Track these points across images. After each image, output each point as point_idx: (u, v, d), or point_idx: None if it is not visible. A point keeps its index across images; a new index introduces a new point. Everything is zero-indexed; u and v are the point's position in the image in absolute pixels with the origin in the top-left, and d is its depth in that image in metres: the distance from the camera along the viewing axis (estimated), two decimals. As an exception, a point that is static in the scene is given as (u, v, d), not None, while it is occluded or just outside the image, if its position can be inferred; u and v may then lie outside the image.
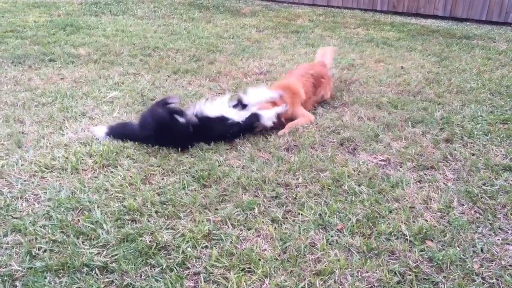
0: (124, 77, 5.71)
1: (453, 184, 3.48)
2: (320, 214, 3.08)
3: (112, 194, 3.26)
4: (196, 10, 10.16)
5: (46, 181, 3.41)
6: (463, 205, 3.24)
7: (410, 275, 2.58)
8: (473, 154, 3.93)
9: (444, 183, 3.50)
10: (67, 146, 3.92)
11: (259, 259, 2.67)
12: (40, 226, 2.89)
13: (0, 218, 2.97)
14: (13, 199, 3.17)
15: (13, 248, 2.72)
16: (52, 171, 3.54)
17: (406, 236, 2.89)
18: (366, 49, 7.24)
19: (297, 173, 3.59)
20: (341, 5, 10.62)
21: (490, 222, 3.05)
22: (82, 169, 3.57)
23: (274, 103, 4.33)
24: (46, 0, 10.71)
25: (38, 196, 3.22)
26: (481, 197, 3.31)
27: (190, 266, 2.62)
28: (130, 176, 3.49)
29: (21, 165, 3.59)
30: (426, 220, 3.05)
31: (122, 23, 8.70)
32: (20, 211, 3.05)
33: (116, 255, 2.67)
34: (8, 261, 2.61)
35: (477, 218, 3.10)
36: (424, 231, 2.92)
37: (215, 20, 9.21)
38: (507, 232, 2.97)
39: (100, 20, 8.86)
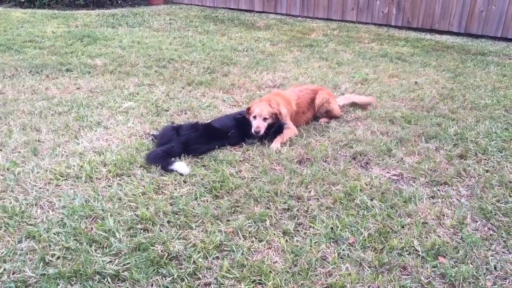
0: (139, 87, 5.77)
1: (467, 201, 3.46)
2: (331, 228, 3.08)
3: (125, 203, 3.29)
4: (211, 23, 10.27)
5: (60, 189, 3.45)
6: (477, 221, 3.22)
7: (422, 291, 2.56)
8: (487, 171, 3.90)
9: (457, 199, 3.48)
10: (82, 154, 3.97)
11: (270, 271, 2.67)
12: (54, 233, 2.93)
13: (15, 224, 3.01)
14: (28, 206, 3.22)
15: (27, 254, 2.76)
16: (67, 179, 3.59)
17: (419, 251, 2.87)
18: (380, 64, 7.24)
19: (309, 186, 3.59)
20: (356, 19, 10.65)
21: (504, 239, 3.02)
22: (96, 178, 3.61)
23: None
24: (65, 12, 10.91)
25: (53, 203, 3.26)
26: (495, 214, 3.28)
27: (201, 277, 2.63)
28: (143, 186, 3.52)
29: (37, 173, 3.64)
30: (439, 236, 3.03)
31: (138, 34, 8.81)
32: (35, 218, 3.09)
33: (128, 263, 2.69)
34: (22, 267, 2.64)
35: (490, 235, 3.08)
36: (436, 247, 2.90)
37: (230, 33, 9.29)
38: (521, 250, 2.94)
39: (117, 32, 8.99)
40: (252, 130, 4.29)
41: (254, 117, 4.32)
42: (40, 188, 3.45)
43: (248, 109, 4.41)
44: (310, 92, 4.96)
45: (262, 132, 4.28)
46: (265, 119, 4.33)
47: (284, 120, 4.47)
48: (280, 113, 4.41)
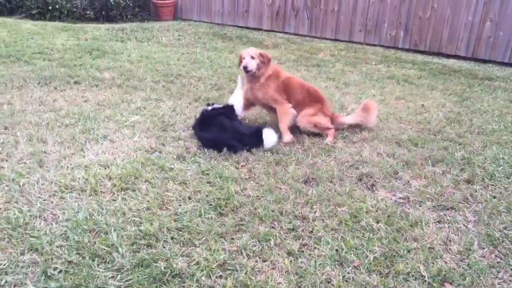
0: (146, 102, 5.79)
1: (474, 227, 3.42)
2: (337, 250, 3.05)
3: (129, 218, 3.27)
4: (219, 40, 10.33)
5: (65, 202, 3.44)
6: (484, 248, 3.18)
7: (428, 318, 2.52)
8: (494, 197, 3.86)
9: (464, 225, 3.44)
10: (87, 167, 3.96)
11: (274, 293, 2.63)
12: (57, 246, 2.91)
13: (18, 236, 2.99)
14: (32, 218, 3.20)
15: (29, 267, 2.74)
16: (71, 191, 3.58)
17: (425, 277, 2.83)
18: (387, 86, 7.25)
19: (314, 207, 3.57)
20: (363, 41, 10.69)
21: (511, 267, 2.98)
22: (101, 191, 3.60)
23: None
24: (75, 25, 11.00)
25: (57, 216, 3.25)
26: (502, 241, 3.24)
27: (203, 296, 2.60)
28: (148, 201, 3.50)
29: (42, 184, 3.64)
30: (446, 262, 2.99)
31: (146, 49, 8.87)
32: (38, 230, 3.07)
33: (130, 280, 2.67)
34: (23, 279, 2.62)
35: (497, 262, 3.04)
36: (443, 273, 2.87)
37: (238, 51, 9.32)
38: (529, 279, 2.89)
39: (126, 46, 9.06)
40: (241, 67, 4.88)
41: (244, 58, 4.88)
42: (44, 200, 3.44)
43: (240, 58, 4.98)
44: (305, 83, 5.44)
45: (249, 67, 4.80)
46: (252, 57, 4.83)
47: (273, 98, 4.92)
48: (268, 58, 4.91)
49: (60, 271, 2.71)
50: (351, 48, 10.19)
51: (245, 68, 4.80)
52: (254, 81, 4.98)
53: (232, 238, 3.13)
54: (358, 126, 5.23)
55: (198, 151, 4.41)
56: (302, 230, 3.26)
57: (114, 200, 3.50)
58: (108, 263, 2.81)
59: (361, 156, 4.50)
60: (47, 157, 4.10)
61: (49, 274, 2.68)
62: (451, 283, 2.80)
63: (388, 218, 3.44)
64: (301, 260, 2.95)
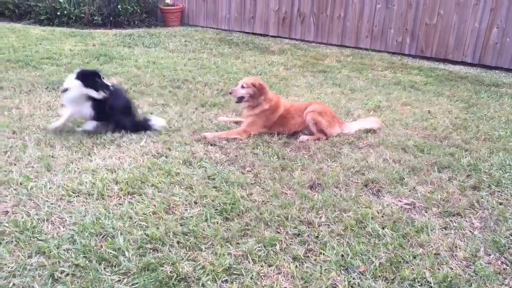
0: (153, 107, 5.82)
1: (480, 233, 3.41)
2: (342, 255, 3.05)
3: (135, 222, 3.29)
4: (225, 46, 10.38)
5: (72, 205, 3.47)
6: (490, 255, 3.17)
7: (433, 324, 2.52)
8: (500, 203, 3.85)
9: (470, 231, 3.43)
10: (95, 172, 3.99)
11: (279, 297, 2.64)
12: (64, 250, 2.93)
13: (26, 239, 3.02)
14: (40, 221, 3.23)
15: (36, 270, 2.76)
16: (78, 195, 3.61)
17: (431, 283, 2.83)
18: (393, 92, 7.25)
19: (320, 212, 3.57)
20: (369, 47, 10.71)
21: (517, 274, 2.97)
22: (108, 195, 3.62)
23: None
24: (82, 30, 11.08)
25: (64, 219, 3.27)
26: (509, 248, 3.23)
27: (209, 300, 2.61)
28: (154, 205, 3.52)
29: (49, 188, 3.67)
30: (451, 268, 2.99)
31: (153, 55, 8.93)
32: (46, 234, 3.10)
33: (137, 283, 2.69)
34: (31, 282, 2.64)
35: (504, 269, 3.03)
36: (449, 279, 2.86)
37: (244, 56, 9.38)
38: (535, 286, 2.88)
39: (133, 52, 9.12)
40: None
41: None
42: (52, 203, 3.47)
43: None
44: (305, 103, 5.48)
45: (233, 94, 5.13)
46: (243, 87, 5.08)
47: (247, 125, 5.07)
48: (263, 88, 5.09)
49: (67, 274, 2.73)
50: (357, 54, 10.21)
51: (230, 94, 5.23)
52: (248, 109, 5.22)
53: (238, 243, 3.14)
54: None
55: (204, 156, 4.44)
56: (308, 235, 3.26)
57: (120, 204, 3.53)
58: (115, 266, 2.83)
59: (367, 162, 4.50)
60: (54, 161, 4.13)
61: (56, 277, 2.70)
62: (457, 290, 2.80)
63: (394, 224, 3.44)
64: (306, 265, 2.95)
